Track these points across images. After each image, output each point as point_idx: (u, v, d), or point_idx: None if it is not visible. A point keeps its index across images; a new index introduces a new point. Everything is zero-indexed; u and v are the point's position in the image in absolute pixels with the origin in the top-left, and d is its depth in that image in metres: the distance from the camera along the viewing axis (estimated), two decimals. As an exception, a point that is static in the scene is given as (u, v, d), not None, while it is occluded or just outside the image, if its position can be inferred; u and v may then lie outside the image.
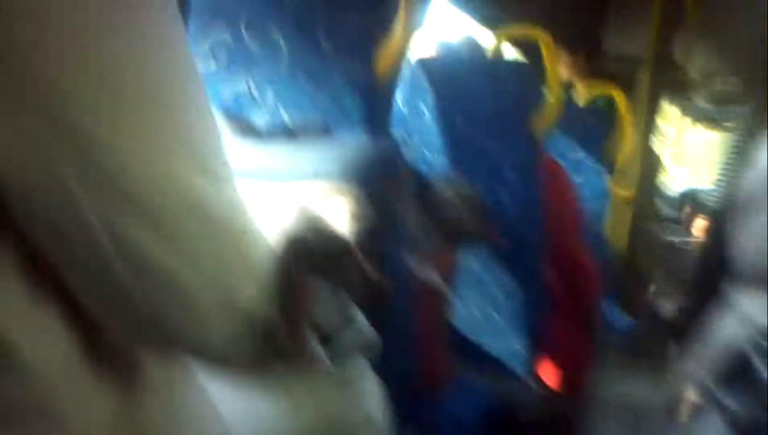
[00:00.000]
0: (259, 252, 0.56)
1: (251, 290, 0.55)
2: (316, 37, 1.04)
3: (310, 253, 0.74)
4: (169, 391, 0.59)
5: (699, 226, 3.54)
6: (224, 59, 1.11)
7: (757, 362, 0.59)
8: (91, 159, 0.43)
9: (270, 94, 1.09)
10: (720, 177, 3.33)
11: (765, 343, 0.60)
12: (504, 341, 1.72)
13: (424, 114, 1.69)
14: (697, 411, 0.92)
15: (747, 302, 0.88)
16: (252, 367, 0.69)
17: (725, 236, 1.04)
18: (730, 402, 0.62)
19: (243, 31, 1.09)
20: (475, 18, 2.84)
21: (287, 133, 1.01)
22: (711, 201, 3.42)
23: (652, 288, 3.41)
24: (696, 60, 3.90)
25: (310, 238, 0.75)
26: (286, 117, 1.08)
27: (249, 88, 1.10)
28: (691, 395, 0.95)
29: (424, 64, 1.68)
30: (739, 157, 3.24)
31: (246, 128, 1.05)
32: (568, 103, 2.61)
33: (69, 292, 0.48)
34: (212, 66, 1.11)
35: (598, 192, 2.48)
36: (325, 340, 0.81)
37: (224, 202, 0.51)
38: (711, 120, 5.60)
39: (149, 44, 0.45)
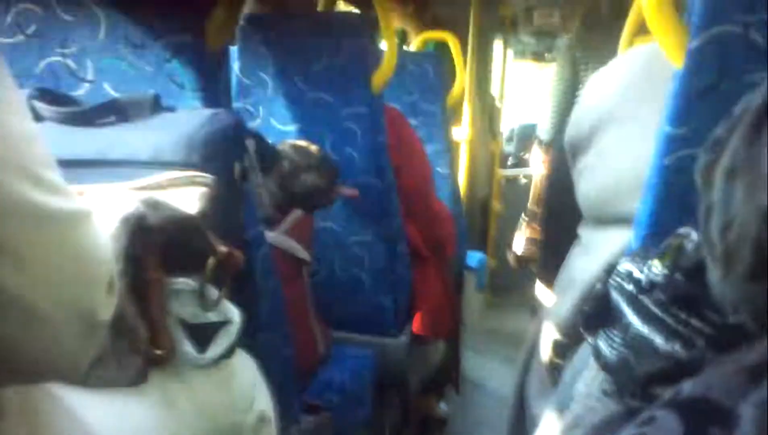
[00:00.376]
0: (102, 254, 0.52)
1: (103, 297, 0.51)
2: (134, 5, 0.97)
3: (151, 231, 0.70)
4: (31, 417, 0.54)
5: (539, 159, 3.71)
6: (32, 29, 1.01)
7: (622, 305, 0.61)
8: None
9: (89, 67, 1.01)
10: (552, 110, 3.50)
11: (626, 285, 0.62)
12: (373, 298, 1.74)
13: (264, 81, 1.66)
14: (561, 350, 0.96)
15: (598, 243, 0.92)
16: (117, 373, 0.65)
17: (563, 174, 1.07)
18: (600, 344, 0.65)
19: (53, 1, 1.00)
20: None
21: (117, 110, 0.93)
22: (541, 133, 3.59)
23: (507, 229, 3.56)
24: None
25: (149, 216, 0.71)
26: (111, 92, 1.01)
27: (64, 59, 1.02)
28: (550, 341, 1.00)
29: (256, 23, 1.63)
30: (560, 87, 3.41)
31: (65, 103, 0.97)
32: (402, 50, 2.64)
33: None
34: (19, 36, 1.02)
35: (436, 134, 2.54)
36: (196, 333, 0.78)
37: (60, 210, 0.46)
38: (534, 54, 5.86)
39: None
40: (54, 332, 0.47)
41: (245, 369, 0.89)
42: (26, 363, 0.47)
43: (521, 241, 3.46)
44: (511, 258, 3.53)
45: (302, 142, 1.45)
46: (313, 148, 1.43)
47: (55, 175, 0.47)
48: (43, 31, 1.02)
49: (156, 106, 0.92)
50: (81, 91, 1.02)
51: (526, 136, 5.11)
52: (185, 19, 0.97)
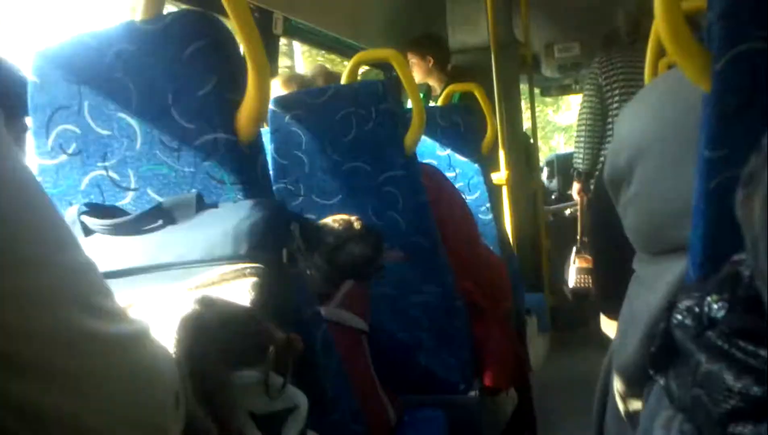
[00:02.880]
0: (164, 371, 0.53)
1: (172, 412, 0.52)
2: (167, 111, 1.00)
3: (210, 329, 0.71)
4: None
5: (576, 189, 3.69)
6: (73, 148, 1.06)
7: (687, 343, 0.60)
8: None
9: (131, 175, 1.05)
10: (578, 140, 3.49)
11: (688, 322, 0.61)
12: (436, 357, 1.73)
13: (300, 159, 1.69)
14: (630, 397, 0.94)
15: (654, 276, 0.90)
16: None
17: (608, 208, 1.07)
18: (671, 384, 0.63)
19: (88, 117, 1.04)
20: (327, 50, 2.91)
21: (163, 214, 0.96)
22: (577, 165, 3.57)
23: (562, 264, 3.52)
24: (535, 35, 4.08)
25: (206, 313, 0.72)
26: (155, 196, 1.04)
27: (107, 172, 1.05)
28: (620, 383, 0.97)
29: (284, 105, 1.67)
30: (587, 116, 3.41)
31: (112, 214, 1.00)
32: (429, 106, 2.67)
33: None
34: (61, 156, 1.06)
35: (474, 183, 2.55)
36: (265, 424, 0.78)
37: (117, 336, 0.48)
38: (561, 87, 5.88)
39: (8, 203, 0.42)
40: None
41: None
42: None
43: (572, 273, 3.42)
44: (567, 292, 3.48)
45: (342, 215, 1.47)
46: (353, 218, 1.45)
47: (110, 302, 0.49)
48: (83, 148, 1.06)
49: (200, 204, 0.95)
50: (126, 200, 1.05)
51: (565, 168, 5.08)
52: (216, 116, 1.00)
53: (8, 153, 0.45)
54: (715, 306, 0.59)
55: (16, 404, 0.42)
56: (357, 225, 1.43)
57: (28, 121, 1.06)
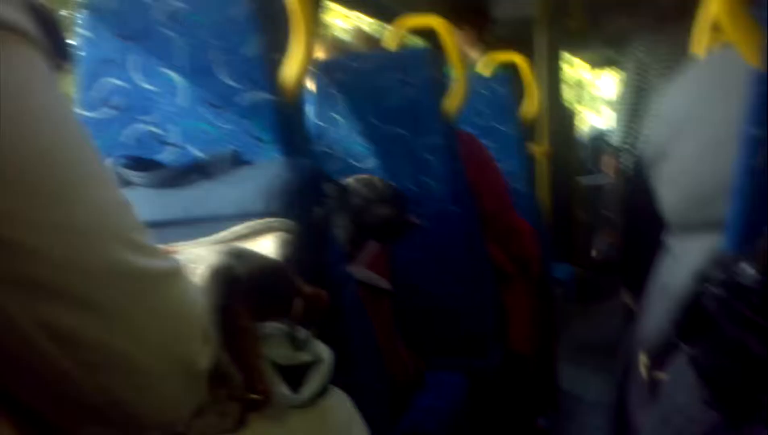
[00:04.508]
0: (197, 307, 0.56)
1: (200, 347, 0.54)
2: (211, 69, 1.02)
3: (239, 280, 0.73)
4: None
5: (610, 165, 3.64)
6: (120, 104, 1.08)
7: (716, 312, 0.60)
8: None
9: (174, 132, 1.07)
10: (618, 116, 3.44)
11: (720, 292, 0.61)
12: (463, 321, 1.74)
13: (339, 123, 1.70)
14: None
15: (687, 250, 0.90)
16: (217, 421, 0.68)
17: (646, 182, 1.06)
18: (697, 353, 0.63)
19: (135, 73, 1.06)
20: (369, 15, 2.89)
21: (200, 170, 0.98)
22: (617, 139, 3.52)
23: (591, 236, 3.51)
24: (586, 7, 4.01)
25: (236, 265, 0.74)
26: (195, 152, 1.06)
27: (148, 126, 1.08)
28: (646, 352, 0.97)
29: (327, 69, 1.68)
30: (627, 92, 3.35)
31: (151, 168, 1.02)
32: (473, 75, 2.66)
33: (19, 404, 0.46)
34: (109, 112, 1.08)
35: (511, 153, 2.53)
36: (290, 375, 0.80)
37: (154, 270, 0.50)
38: (610, 62, 5.77)
39: (40, 131, 0.44)
40: (158, 385, 0.50)
41: (340, 406, 0.91)
42: (132, 416, 0.50)
43: (598, 246, 3.40)
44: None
45: (367, 176, 1.47)
46: (378, 180, 1.46)
47: (146, 238, 0.50)
48: (126, 102, 1.08)
49: (236, 161, 0.96)
50: (166, 155, 1.07)
51: (601, 144, 5.02)
52: (259, 76, 1.01)
53: (50, 87, 0.46)
54: (747, 277, 0.59)
55: (60, 333, 0.44)
56: (382, 187, 1.43)
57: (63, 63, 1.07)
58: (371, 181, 1.44)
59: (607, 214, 3.44)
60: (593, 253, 3.30)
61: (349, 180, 1.45)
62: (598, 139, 5.46)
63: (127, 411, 0.49)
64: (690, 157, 0.92)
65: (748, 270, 0.60)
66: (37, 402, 0.47)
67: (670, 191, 0.97)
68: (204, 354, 0.56)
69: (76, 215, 0.45)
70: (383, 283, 1.38)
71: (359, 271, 1.33)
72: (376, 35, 2.04)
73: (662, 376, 0.92)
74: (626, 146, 3.39)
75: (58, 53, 0.51)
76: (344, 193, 1.31)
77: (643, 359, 1.00)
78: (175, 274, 0.53)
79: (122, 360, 0.47)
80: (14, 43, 0.44)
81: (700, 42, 1.28)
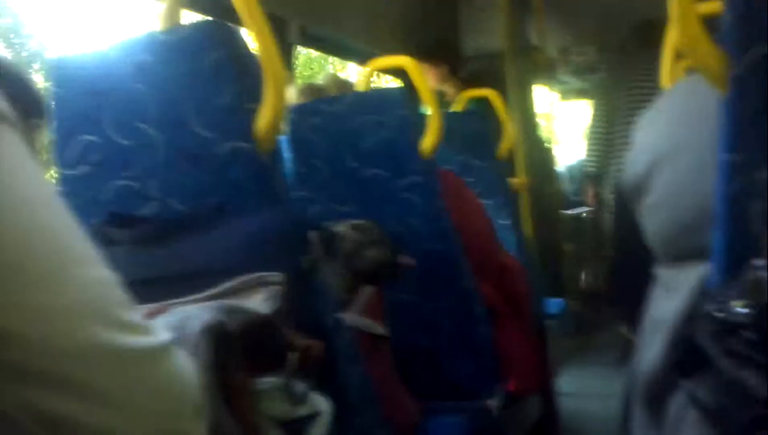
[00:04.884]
0: (188, 382, 0.54)
1: (191, 424, 0.53)
2: (186, 121, 1.01)
3: (232, 337, 0.72)
4: None
5: (589, 194, 3.68)
6: (98, 160, 1.07)
7: (712, 349, 0.60)
8: None
9: (154, 186, 1.06)
10: (589, 142, 3.48)
11: (712, 329, 0.61)
12: (457, 363, 1.73)
13: (319, 167, 1.70)
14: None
15: (677, 281, 0.90)
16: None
17: (630, 215, 1.07)
18: (696, 391, 0.63)
19: (110, 129, 1.06)
20: (341, 56, 2.92)
21: (183, 224, 0.97)
22: (591, 168, 3.56)
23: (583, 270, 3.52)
24: (551, 39, 4.08)
25: (228, 322, 0.73)
26: (176, 205, 1.05)
27: (129, 182, 1.07)
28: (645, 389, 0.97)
29: (301, 114, 1.69)
30: (597, 121, 3.40)
31: (135, 224, 1.01)
32: (447, 112, 2.68)
33: None
34: (87, 169, 1.08)
35: (492, 188, 2.54)
36: (289, 430, 0.79)
37: (141, 348, 0.48)
38: (577, 91, 5.86)
39: (23, 216, 0.43)
40: None
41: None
42: None
43: (583, 276, 3.42)
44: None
45: (357, 221, 1.47)
46: (368, 223, 1.45)
47: (132, 315, 0.49)
48: (105, 159, 1.07)
49: (220, 214, 0.96)
50: (147, 209, 1.06)
51: (579, 173, 5.07)
52: (235, 126, 1.01)
53: (28, 168, 0.46)
54: (738, 311, 0.59)
55: (45, 417, 0.43)
56: (372, 230, 1.43)
57: (40, 123, 1.07)
58: (363, 225, 1.44)
59: (593, 244, 3.47)
60: (581, 284, 3.30)
61: (340, 226, 1.45)
62: (576, 169, 5.52)
63: None
64: (671, 187, 0.93)
65: (738, 305, 0.60)
66: None
67: (655, 222, 0.98)
68: (196, 429, 0.54)
69: (61, 297, 0.44)
70: (379, 329, 1.37)
71: (354, 318, 1.32)
72: (349, 81, 2.05)
73: (663, 412, 0.92)
74: (600, 173, 3.43)
75: (34, 112, 0.50)
76: (335, 240, 1.30)
77: (643, 396, 0.99)
78: (164, 350, 0.52)
79: None
80: None
81: (667, 70, 1.30)
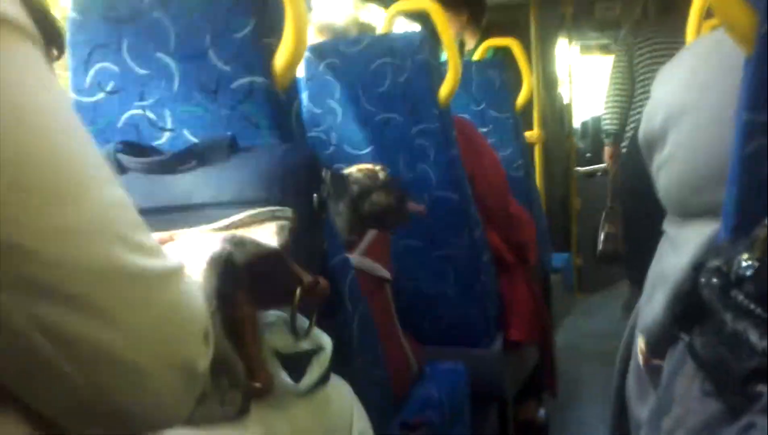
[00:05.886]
0: (198, 308, 0.55)
1: (200, 348, 0.54)
2: (204, 53, 1.01)
3: (239, 268, 0.73)
4: None
5: (608, 153, 3.65)
6: (112, 86, 1.07)
7: (714, 302, 0.60)
8: None
9: (168, 116, 1.06)
10: (608, 100, 3.43)
11: (716, 281, 0.61)
12: (461, 310, 1.74)
13: (333, 109, 1.69)
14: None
15: (685, 238, 0.90)
16: (219, 409, 0.68)
17: (644, 170, 1.06)
18: (695, 343, 0.63)
19: (127, 56, 1.05)
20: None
21: (197, 155, 0.97)
22: (611, 126, 3.52)
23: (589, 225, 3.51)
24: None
25: (236, 253, 0.74)
26: (191, 137, 1.05)
27: (144, 111, 1.07)
28: (644, 341, 0.98)
29: (320, 53, 1.67)
30: (618, 77, 3.35)
31: (148, 153, 1.01)
32: (467, 60, 2.65)
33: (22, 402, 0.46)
34: (104, 97, 1.07)
35: (507, 139, 2.53)
36: (291, 363, 0.80)
37: (153, 270, 0.49)
38: (600, 47, 5.77)
39: (39, 130, 0.43)
40: (157, 386, 0.50)
41: (341, 394, 0.91)
42: (132, 417, 0.50)
43: (601, 237, 3.41)
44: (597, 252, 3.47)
45: (367, 165, 1.47)
46: (378, 168, 1.45)
47: (145, 237, 0.50)
48: (121, 87, 1.07)
49: (233, 147, 0.96)
50: (162, 140, 1.06)
51: (599, 129, 5.02)
52: (253, 60, 1.00)
53: (49, 85, 0.46)
54: (744, 265, 0.59)
55: (55, 332, 0.43)
56: (382, 175, 1.43)
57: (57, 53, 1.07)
58: (372, 170, 1.44)
59: (611, 206, 3.45)
60: (599, 244, 3.29)
61: (350, 168, 1.45)
62: (591, 126, 5.47)
63: (125, 411, 0.49)
64: (686, 142, 0.92)
65: (744, 258, 0.60)
66: (35, 402, 0.46)
67: (667, 177, 0.97)
68: (203, 355, 0.55)
69: (76, 215, 0.44)
70: (382, 272, 1.38)
71: (358, 259, 1.33)
72: (370, 23, 2.02)
73: (661, 364, 0.93)
74: (619, 131, 3.39)
75: (53, 43, 0.50)
76: (344, 182, 1.30)
77: (641, 349, 1.00)
78: (175, 273, 0.52)
79: (119, 360, 0.46)
80: (11, 37, 0.43)
81: (693, 27, 1.28)
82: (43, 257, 0.42)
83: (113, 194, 0.48)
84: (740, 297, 0.57)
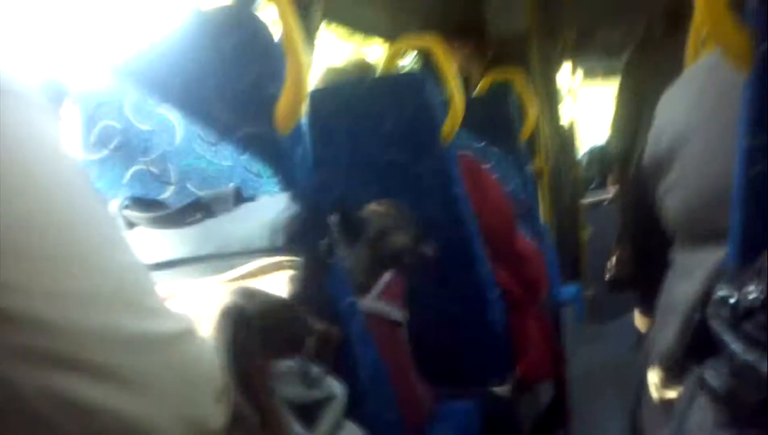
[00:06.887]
0: (210, 366, 0.55)
1: (213, 408, 0.54)
2: (206, 105, 1.02)
3: (250, 320, 0.73)
4: None
5: (614, 180, 3.64)
6: (115, 143, 1.08)
7: (723, 333, 0.60)
8: (8, 330, 0.40)
9: (171, 169, 1.07)
10: (613, 124, 3.43)
11: (724, 313, 0.60)
12: (471, 349, 1.73)
13: (339, 152, 1.70)
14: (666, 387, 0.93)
15: (693, 264, 0.89)
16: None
17: (651, 196, 1.06)
18: (707, 375, 0.63)
19: (128, 113, 1.07)
20: (365, 34, 2.89)
21: (203, 207, 0.98)
22: (617, 153, 3.51)
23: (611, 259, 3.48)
24: (576, 20, 4.03)
25: (247, 305, 0.74)
26: (195, 190, 1.06)
27: (147, 167, 1.08)
28: (656, 373, 0.97)
29: (321, 97, 1.68)
30: (622, 103, 3.35)
31: (153, 207, 1.02)
32: (470, 95, 2.66)
33: None
34: (104, 151, 1.09)
35: (513, 173, 2.52)
36: (303, 412, 0.80)
37: (164, 334, 0.49)
38: (603, 73, 5.79)
39: (53, 199, 0.43)
40: None
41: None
42: None
43: (610, 264, 3.38)
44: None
45: (384, 205, 1.47)
46: (393, 208, 1.45)
47: (156, 301, 0.50)
48: (124, 144, 1.08)
49: (238, 198, 0.96)
50: (167, 194, 1.07)
51: (606, 157, 5.01)
52: (253, 111, 1.01)
53: (62, 153, 0.46)
54: (751, 297, 0.58)
55: (64, 402, 0.43)
56: (398, 215, 1.43)
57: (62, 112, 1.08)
58: (388, 210, 1.44)
59: (615, 231, 3.42)
60: (607, 272, 3.26)
61: (365, 209, 1.45)
62: (597, 153, 5.46)
63: None
64: (692, 165, 0.91)
65: (750, 290, 0.60)
66: None
67: (674, 202, 0.97)
68: (217, 414, 0.55)
69: (86, 282, 0.44)
70: (396, 315, 1.37)
71: (371, 302, 1.32)
72: (370, 62, 2.04)
73: (674, 396, 0.91)
74: (625, 157, 3.38)
75: (55, 100, 0.51)
76: (361, 224, 1.30)
77: (654, 380, 0.99)
78: (187, 334, 0.52)
79: (133, 425, 0.46)
80: (20, 105, 0.44)
81: (692, 53, 1.28)
82: (51, 324, 0.42)
83: (124, 259, 0.48)
84: (749, 328, 0.57)
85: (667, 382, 0.94)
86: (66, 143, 0.48)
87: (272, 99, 1.01)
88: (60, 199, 0.44)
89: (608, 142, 3.46)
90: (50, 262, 0.42)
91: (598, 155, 5.41)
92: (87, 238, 0.45)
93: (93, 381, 0.44)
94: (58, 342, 0.42)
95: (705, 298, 0.67)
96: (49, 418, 0.43)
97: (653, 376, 0.98)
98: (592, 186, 5.08)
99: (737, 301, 0.60)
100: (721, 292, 0.63)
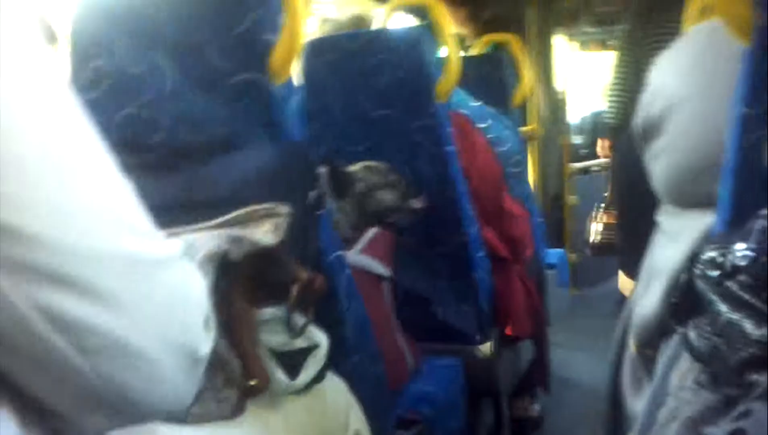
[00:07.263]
0: (199, 293, 0.55)
1: (201, 334, 0.54)
2: (200, 49, 1.00)
3: (235, 266, 0.73)
4: None
5: (604, 146, 3.64)
6: (107, 86, 1.06)
7: (709, 293, 0.60)
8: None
9: (163, 114, 1.06)
10: (611, 95, 3.42)
11: (711, 272, 0.61)
12: (456, 306, 1.74)
13: (332, 105, 1.68)
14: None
15: (679, 229, 0.90)
16: (215, 407, 0.68)
17: (636, 160, 1.06)
18: (690, 334, 0.64)
19: (123, 56, 1.05)
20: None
21: (193, 154, 0.97)
22: (608, 121, 3.51)
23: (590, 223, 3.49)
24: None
25: (232, 251, 0.74)
26: (186, 136, 1.05)
27: (139, 110, 1.06)
28: (643, 327, 0.98)
29: (316, 49, 1.66)
30: (621, 70, 3.34)
31: (144, 151, 1.01)
32: (466, 55, 2.64)
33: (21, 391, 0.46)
34: (100, 96, 1.07)
35: (505, 135, 2.52)
36: (286, 361, 0.80)
37: (153, 255, 0.49)
38: (598, 42, 5.76)
39: (45, 118, 0.43)
40: (160, 371, 0.50)
41: (337, 391, 0.91)
42: (135, 404, 0.50)
43: (597, 228, 3.40)
44: (587, 248, 3.47)
45: (373, 162, 1.46)
46: (384, 166, 1.45)
47: (146, 223, 0.50)
48: (116, 86, 1.06)
49: (229, 145, 0.96)
50: (158, 139, 1.06)
51: (596, 125, 5.01)
52: (248, 58, 0.99)
53: (59, 81, 0.47)
54: (739, 255, 0.59)
55: (58, 316, 0.44)
56: (387, 173, 1.43)
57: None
58: (377, 167, 1.44)
59: (605, 196, 3.44)
60: (590, 236, 3.28)
61: (355, 166, 1.44)
62: (589, 121, 5.47)
63: (128, 398, 0.49)
64: (683, 130, 0.92)
65: (740, 250, 0.60)
66: (36, 389, 0.47)
67: (663, 166, 0.97)
68: (205, 340, 0.55)
69: (78, 198, 0.44)
70: (380, 269, 1.38)
71: (356, 256, 1.33)
72: (370, 17, 2.01)
73: (655, 357, 0.93)
74: (619, 126, 3.38)
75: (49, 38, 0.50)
76: (349, 179, 1.30)
77: (635, 342, 1.00)
78: (176, 259, 0.53)
79: (122, 345, 0.47)
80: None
81: (691, 21, 1.28)
82: (42, 240, 0.43)
83: (114, 180, 0.48)
84: (735, 287, 0.58)
85: (648, 343, 0.96)
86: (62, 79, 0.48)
87: (268, 46, 1.00)
88: (51, 113, 0.45)
89: (606, 110, 3.46)
90: (44, 176, 0.42)
91: (591, 123, 5.41)
92: (76, 156, 0.45)
93: (80, 297, 0.44)
94: (45, 256, 0.43)
95: (692, 259, 0.68)
96: (43, 335, 0.43)
97: (634, 338, 0.99)
98: (584, 151, 5.09)
99: (726, 260, 0.60)
100: (708, 253, 0.64)
